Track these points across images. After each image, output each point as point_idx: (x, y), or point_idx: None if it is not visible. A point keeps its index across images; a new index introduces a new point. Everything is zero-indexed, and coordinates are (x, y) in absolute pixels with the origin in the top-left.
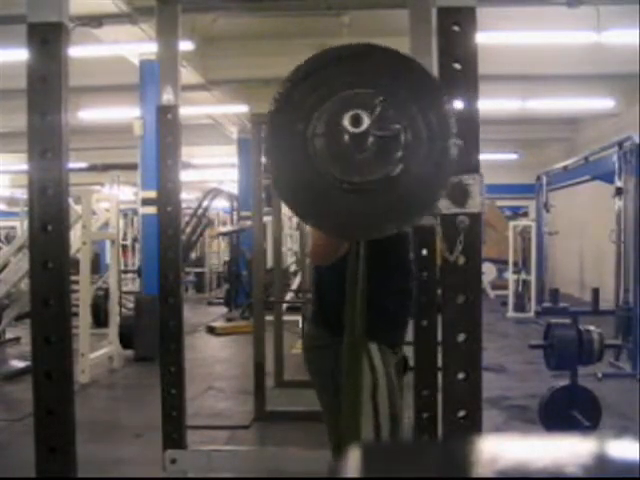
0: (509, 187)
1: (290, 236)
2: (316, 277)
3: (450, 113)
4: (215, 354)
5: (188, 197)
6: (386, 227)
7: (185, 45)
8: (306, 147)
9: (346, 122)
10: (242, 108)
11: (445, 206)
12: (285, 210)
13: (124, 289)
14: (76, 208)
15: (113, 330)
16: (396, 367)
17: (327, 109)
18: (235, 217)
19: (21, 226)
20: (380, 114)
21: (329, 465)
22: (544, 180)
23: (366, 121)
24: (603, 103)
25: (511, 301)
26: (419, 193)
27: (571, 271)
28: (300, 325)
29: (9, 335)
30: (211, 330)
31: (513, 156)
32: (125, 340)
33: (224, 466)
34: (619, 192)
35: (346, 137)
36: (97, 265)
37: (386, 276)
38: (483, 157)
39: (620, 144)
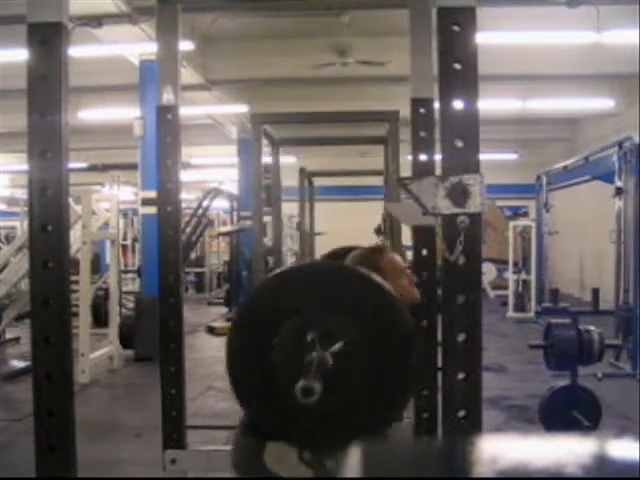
0: (509, 187)
1: (290, 236)
2: None
3: (410, 329)
4: (215, 354)
5: (188, 197)
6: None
7: (185, 45)
8: (267, 363)
9: (297, 391)
10: (242, 108)
11: (445, 206)
12: (285, 210)
13: (124, 289)
14: (76, 208)
15: (113, 330)
16: None
17: (285, 339)
18: (235, 217)
19: (21, 226)
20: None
21: (328, 465)
22: (544, 180)
23: (317, 392)
24: (603, 103)
25: (511, 301)
26: (379, 409)
27: (571, 271)
28: None
29: (9, 335)
30: (211, 330)
31: (513, 156)
32: (125, 340)
33: (224, 466)
34: (619, 192)
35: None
36: (97, 265)
37: None
38: (483, 157)
39: (620, 144)
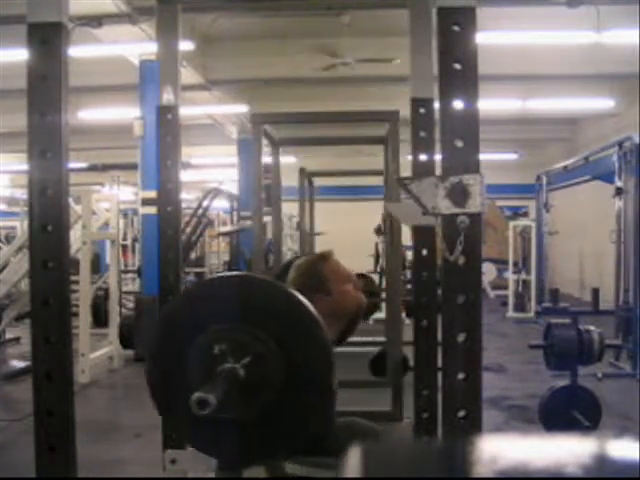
0: (509, 187)
1: (290, 236)
2: None
3: (328, 345)
4: None
5: (188, 197)
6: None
7: (185, 45)
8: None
9: (192, 403)
10: (242, 108)
11: (445, 206)
12: (285, 210)
13: (124, 289)
14: (76, 208)
15: (113, 330)
16: None
17: (196, 353)
18: (235, 217)
19: (21, 226)
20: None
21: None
22: (544, 180)
23: (213, 403)
24: (603, 103)
25: (511, 301)
26: (296, 420)
27: (571, 271)
28: None
29: (9, 335)
30: None
31: (513, 156)
32: (125, 340)
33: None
34: (619, 192)
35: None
36: (97, 265)
37: None
38: (483, 157)
39: (620, 144)
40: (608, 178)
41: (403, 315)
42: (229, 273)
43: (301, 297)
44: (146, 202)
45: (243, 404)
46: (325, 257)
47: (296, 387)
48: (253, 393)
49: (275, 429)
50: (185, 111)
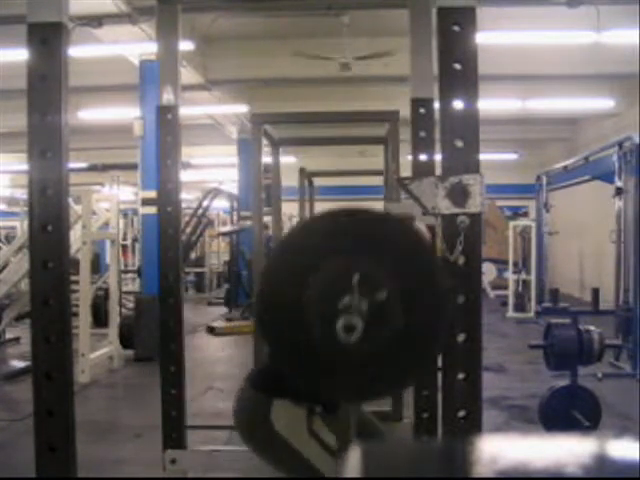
0: (509, 187)
1: None
2: None
3: (440, 269)
4: (215, 354)
5: (188, 197)
6: (380, 395)
7: (185, 45)
8: (303, 315)
9: (339, 331)
10: (242, 108)
11: (445, 206)
12: (285, 210)
13: (124, 289)
14: (76, 208)
15: (113, 330)
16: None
17: (321, 280)
18: (235, 217)
19: (21, 226)
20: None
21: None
22: (544, 180)
23: (358, 329)
24: (603, 103)
25: (511, 301)
26: (419, 349)
27: (571, 271)
28: None
29: (9, 335)
30: (211, 330)
31: (513, 156)
32: (125, 340)
33: (224, 466)
34: (619, 192)
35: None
36: (97, 265)
37: None
38: (483, 157)
39: (620, 144)
40: (608, 178)
41: None
42: (368, 209)
43: (424, 238)
44: (146, 202)
45: (369, 337)
46: None
47: (414, 326)
48: (374, 329)
49: (387, 366)
50: (185, 111)
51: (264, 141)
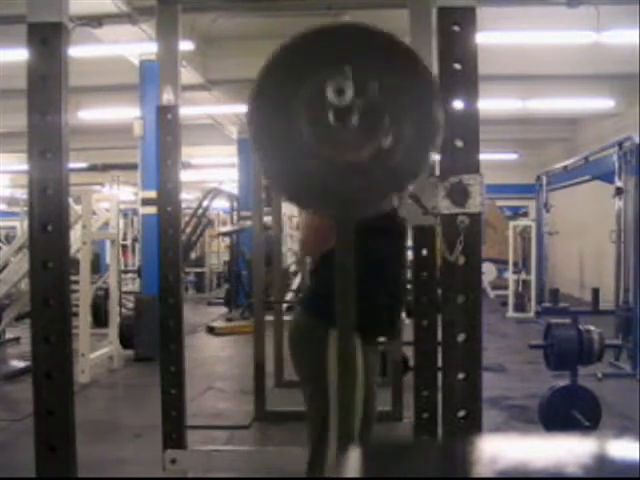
0: (509, 187)
1: (290, 236)
2: (312, 266)
3: (433, 78)
4: (215, 354)
5: (188, 197)
6: (381, 201)
7: (185, 45)
8: (293, 130)
9: (330, 95)
10: (242, 108)
11: (445, 206)
12: (285, 210)
13: (124, 289)
14: (76, 208)
15: (113, 330)
16: (374, 364)
17: (311, 83)
18: (235, 217)
19: (21, 226)
20: (363, 86)
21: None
22: (544, 180)
23: (349, 92)
24: (603, 103)
25: (511, 301)
26: (409, 160)
27: (571, 271)
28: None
29: (9, 335)
30: (211, 330)
31: (513, 156)
32: (125, 340)
33: (224, 466)
34: (619, 192)
35: (331, 115)
36: (97, 265)
37: (378, 269)
38: (483, 157)
39: (620, 144)
40: (608, 178)
41: (403, 315)
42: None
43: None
44: (146, 202)
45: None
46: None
47: (405, 124)
48: (371, 127)
49: (390, 168)
50: (185, 111)
51: None
